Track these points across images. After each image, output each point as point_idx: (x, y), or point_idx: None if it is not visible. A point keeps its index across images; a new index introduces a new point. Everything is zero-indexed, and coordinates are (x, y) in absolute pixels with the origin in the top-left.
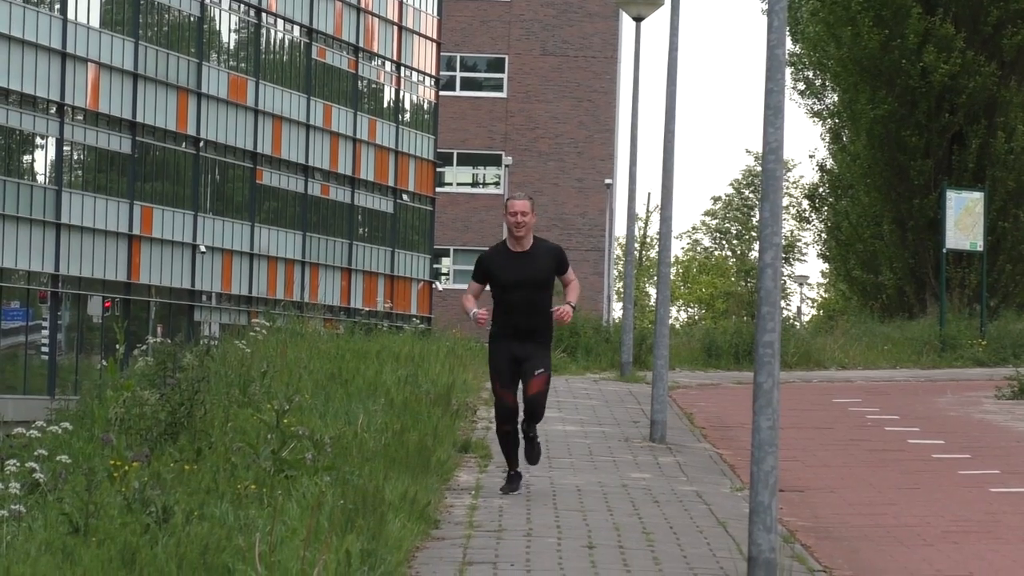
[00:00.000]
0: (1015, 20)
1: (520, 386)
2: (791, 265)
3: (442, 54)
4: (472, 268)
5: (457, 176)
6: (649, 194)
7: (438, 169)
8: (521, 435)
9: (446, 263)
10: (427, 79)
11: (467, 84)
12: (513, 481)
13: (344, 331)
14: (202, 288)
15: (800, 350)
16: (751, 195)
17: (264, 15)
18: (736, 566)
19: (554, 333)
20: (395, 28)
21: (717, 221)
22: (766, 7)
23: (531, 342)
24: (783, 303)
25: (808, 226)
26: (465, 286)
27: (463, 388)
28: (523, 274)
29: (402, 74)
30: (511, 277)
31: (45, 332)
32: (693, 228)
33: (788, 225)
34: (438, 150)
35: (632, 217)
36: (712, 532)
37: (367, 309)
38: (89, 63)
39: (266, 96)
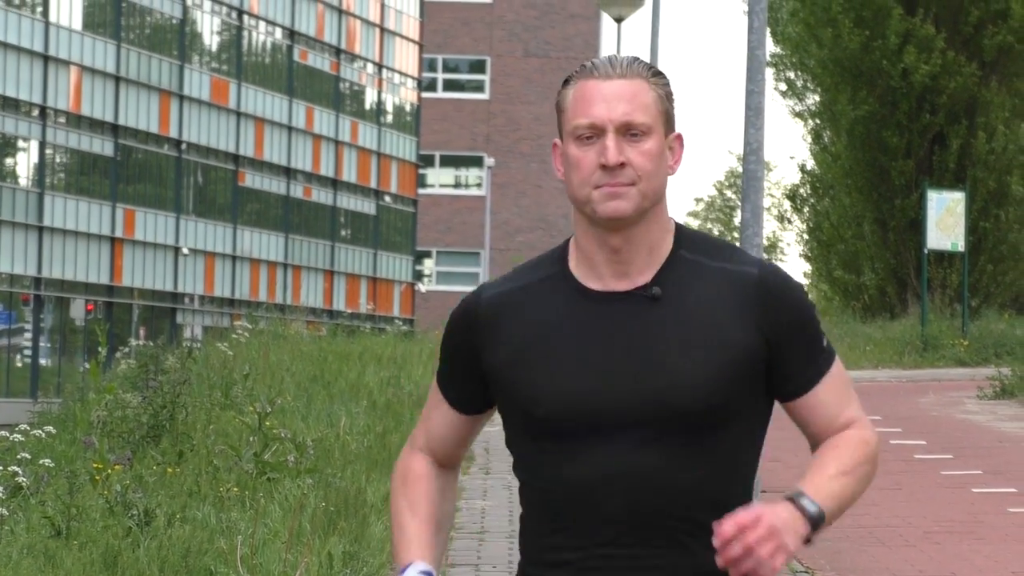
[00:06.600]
0: (995, 20)
1: None
2: None
3: (424, 56)
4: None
5: (439, 178)
6: None
7: (420, 171)
8: None
9: (428, 264)
10: (409, 81)
11: (449, 86)
12: None
13: (326, 333)
14: (184, 290)
15: None
16: (733, 196)
17: (246, 17)
18: None
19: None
20: (377, 30)
21: (700, 222)
22: (747, 8)
23: None
24: None
25: (789, 226)
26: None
27: None
28: (629, 381)
29: (384, 76)
30: (574, 389)
31: (28, 335)
32: None
33: (769, 226)
34: (420, 152)
35: None
36: None
37: (350, 311)
38: (71, 66)
39: (248, 98)
